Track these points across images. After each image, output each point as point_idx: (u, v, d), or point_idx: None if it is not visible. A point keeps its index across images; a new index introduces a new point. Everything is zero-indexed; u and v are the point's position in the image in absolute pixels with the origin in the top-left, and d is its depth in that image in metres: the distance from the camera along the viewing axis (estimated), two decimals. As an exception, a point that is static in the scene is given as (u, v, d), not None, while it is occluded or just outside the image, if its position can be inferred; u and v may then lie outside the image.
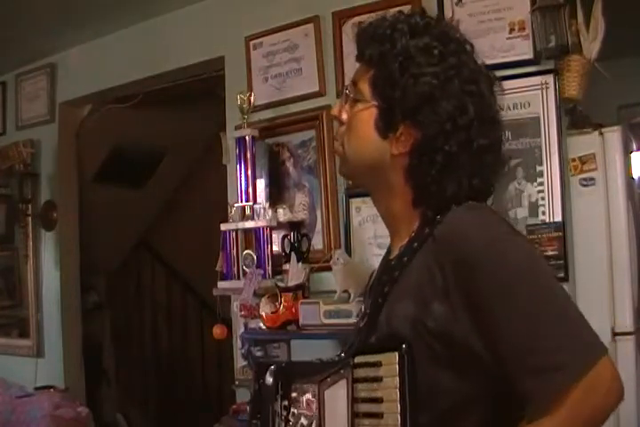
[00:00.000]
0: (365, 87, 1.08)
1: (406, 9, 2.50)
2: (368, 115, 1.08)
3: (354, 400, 0.98)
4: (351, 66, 2.60)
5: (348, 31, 2.65)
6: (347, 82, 2.79)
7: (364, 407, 0.97)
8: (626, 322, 2.18)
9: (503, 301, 0.93)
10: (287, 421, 1.05)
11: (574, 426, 0.90)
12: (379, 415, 0.94)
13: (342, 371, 1.00)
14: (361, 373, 0.98)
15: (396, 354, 0.93)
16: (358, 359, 0.99)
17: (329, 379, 1.02)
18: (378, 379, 0.95)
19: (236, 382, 2.74)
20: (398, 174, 1.07)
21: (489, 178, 1.09)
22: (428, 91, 1.02)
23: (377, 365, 0.96)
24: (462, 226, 0.99)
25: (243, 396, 2.71)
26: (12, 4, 3.08)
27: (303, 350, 2.58)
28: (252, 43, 2.92)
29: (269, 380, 1.07)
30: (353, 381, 0.99)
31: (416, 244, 1.04)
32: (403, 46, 1.04)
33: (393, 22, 1.09)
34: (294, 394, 1.06)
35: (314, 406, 1.03)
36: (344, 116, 1.13)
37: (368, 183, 1.15)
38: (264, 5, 2.91)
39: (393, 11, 1.18)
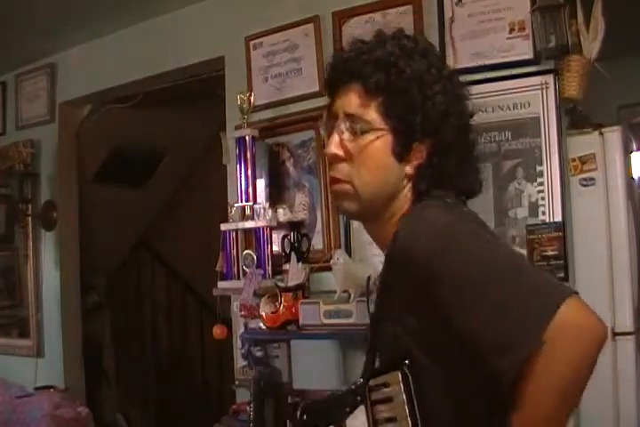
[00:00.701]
0: (374, 116, 1.06)
1: (405, 10, 2.51)
2: (382, 143, 1.07)
3: (375, 422, 1.01)
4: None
5: (348, 31, 2.65)
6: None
7: None
8: (626, 322, 2.18)
9: (452, 295, 0.94)
10: None
11: (558, 379, 0.88)
12: None
13: (359, 398, 1.04)
14: (375, 395, 1.02)
15: (399, 373, 0.97)
16: (372, 382, 1.03)
17: (348, 409, 1.06)
18: (388, 399, 0.99)
19: (236, 382, 2.74)
20: (408, 190, 1.09)
21: (479, 178, 1.13)
22: (443, 107, 1.05)
23: (386, 386, 1.00)
24: (402, 243, 1.00)
25: (243, 396, 2.71)
26: (12, 4, 3.08)
27: (303, 350, 2.58)
28: (251, 43, 2.92)
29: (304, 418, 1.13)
30: (372, 404, 1.02)
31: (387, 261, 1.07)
32: (411, 71, 1.05)
33: (387, 49, 1.08)
34: None
35: None
36: (343, 152, 1.09)
37: (374, 214, 1.12)
38: (264, 5, 2.91)
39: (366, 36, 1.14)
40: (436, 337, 0.97)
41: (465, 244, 0.97)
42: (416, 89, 1.04)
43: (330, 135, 1.11)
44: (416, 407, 0.94)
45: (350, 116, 1.08)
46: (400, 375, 0.96)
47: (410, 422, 0.95)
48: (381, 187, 1.08)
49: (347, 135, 1.08)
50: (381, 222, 1.11)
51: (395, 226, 1.06)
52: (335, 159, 1.10)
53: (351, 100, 1.08)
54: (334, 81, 1.12)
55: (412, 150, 1.06)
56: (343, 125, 1.09)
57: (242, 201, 2.67)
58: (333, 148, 1.09)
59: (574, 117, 2.29)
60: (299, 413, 1.12)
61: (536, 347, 0.87)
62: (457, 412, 0.98)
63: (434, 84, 1.05)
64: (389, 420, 0.99)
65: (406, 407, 0.95)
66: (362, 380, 1.07)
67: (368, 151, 1.07)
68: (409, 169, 1.07)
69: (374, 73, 1.05)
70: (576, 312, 0.89)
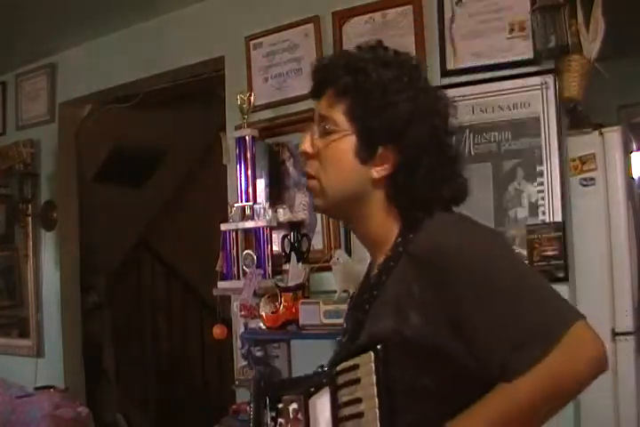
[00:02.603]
0: (340, 117, 1.10)
1: (405, 10, 2.52)
2: (346, 143, 1.10)
3: (337, 407, 1.03)
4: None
5: (348, 31, 2.66)
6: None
7: (346, 411, 1.01)
8: (626, 322, 2.18)
9: (475, 295, 0.98)
10: None
11: (547, 389, 0.93)
12: (359, 415, 0.99)
13: (324, 380, 1.06)
14: (342, 379, 1.03)
15: (371, 353, 0.98)
16: (340, 367, 1.04)
17: (312, 388, 1.08)
18: (357, 381, 1.00)
19: (236, 382, 2.74)
20: (379, 196, 1.11)
21: (462, 186, 1.14)
22: (406, 115, 1.07)
23: (355, 368, 1.00)
24: (433, 240, 1.04)
25: (243, 396, 2.71)
26: (13, 4, 3.08)
27: (303, 350, 2.58)
28: (252, 43, 2.92)
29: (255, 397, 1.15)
30: (336, 388, 1.03)
31: (392, 262, 1.09)
32: (378, 76, 1.08)
33: (360, 55, 1.13)
34: (281, 405, 1.12)
35: (299, 415, 1.08)
36: (311, 149, 1.13)
37: (347, 213, 1.16)
38: (264, 5, 2.92)
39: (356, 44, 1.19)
40: (438, 337, 0.99)
41: (497, 249, 1.05)
42: (379, 94, 1.07)
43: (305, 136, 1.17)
44: (383, 389, 0.96)
45: (322, 117, 1.13)
46: (373, 356, 0.97)
47: (377, 401, 0.95)
48: (344, 186, 1.11)
49: (317, 134, 1.13)
50: (360, 223, 1.15)
51: (380, 228, 1.11)
52: (305, 155, 1.15)
53: (323, 103, 1.13)
54: (316, 86, 1.16)
55: (376, 154, 1.08)
56: (316, 126, 1.14)
57: (242, 201, 2.67)
58: (304, 145, 1.15)
59: (574, 117, 2.29)
60: (256, 379, 1.17)
61: (550, 348, 0.92)
62: (434, 407, 1.01)
63: (400, 92, 1.07)
64: (354, 401, 0.99)
65: (375, 387, 0.96)
66: (327, 366, 1.10)
67: (332, 150, 1.11)
68: (374, 173, 1.09)
69: (343, 76, 1.10)
70: (589, 332, 0.96)
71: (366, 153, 1.09)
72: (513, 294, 0.97)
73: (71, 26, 3.37)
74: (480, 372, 0.97)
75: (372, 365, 0.97)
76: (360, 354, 1.00)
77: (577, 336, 0.94)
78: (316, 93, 1.16)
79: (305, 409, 1.07)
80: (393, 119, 1.07)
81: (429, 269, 1.01)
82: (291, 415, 1.09)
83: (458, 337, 0.98)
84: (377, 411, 0.95)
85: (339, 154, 1.10)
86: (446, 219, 1.08)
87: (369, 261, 1.23)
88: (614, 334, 2.15)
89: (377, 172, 1.09)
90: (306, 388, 1.09)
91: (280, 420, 1.11)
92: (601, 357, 0.95)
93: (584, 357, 0.94)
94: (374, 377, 0.97)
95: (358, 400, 0.99)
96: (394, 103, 1.07)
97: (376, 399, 0.96)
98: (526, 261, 2.13)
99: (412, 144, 1.07)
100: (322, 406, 1.05)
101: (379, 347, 0.97)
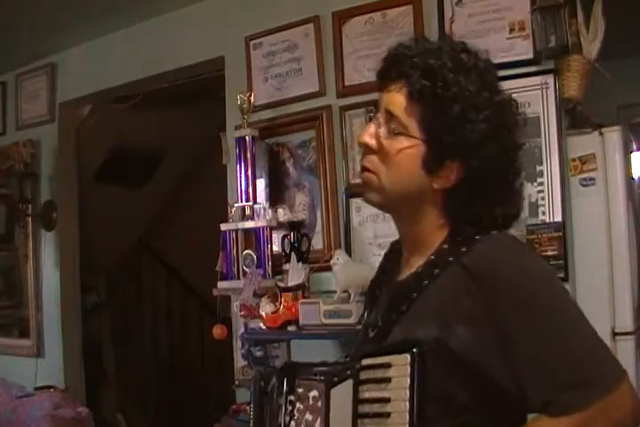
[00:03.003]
0: (412, 123, 1.06)
1: (405, 10, 2.51)
2: (415, 152, 1.07)
3: (359, 401, 1.00)
4: (351, 66, 2.63)
5: (348, 31, 2.66)
6: (347, 82, 2.79)
7: (369, 408, 0.99)
8: (626, 322, 2.18)
9: (529, 326, 0.97)
10: (292, 415, 1.08)
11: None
12: (384, 415, 0.96)
13: (349, 372, 1.03)
14: (368, 374, 1.00)
15: (408, 355, 0.95)
16: (366, 362, 1.01)
17: (335, 378, 1.04)
18: (386, 380, 0.97)
19: (236, 382, 2.74)
20: (434, 206, 1.10)
21: (516, 209, 1.13)
22: (481, 133, 1.04)
23: (386, 366, 0.97)
24: (492, 259, 1.03)
25: (243, 396, 2.71)
26: (12, 3, 3.07)
27: (303, 350, 2.58)
28: (252, 43, 2.92)
29: (275, 377, 1.11)
30: (359, 382, 1.00)
31: (437, 269, 1.06)
32: (459, 89, 1.03)
33: (441, 57, 1.06)
34: (300, 390, 1.09)
35: (319, 403, 1.05)
36: (376, 144, 1.10)
37: (398, 212, 1.15)
38: (264, 5, 2.91)
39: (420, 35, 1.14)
40: (482, 355, 0.99)
41: (553, 283, 1.05)
42: (459, 109, 1.03)
43: (368, 125, 1.14)
44: (416, 394, 0.93)
45: (390, 114, 1.09)
46: (409, 358, 0.95)
47: (407, 405, 0.93)
48: (402, 189, 1.09)
49: (383, 131, 1.09)
50: (408, 223, 1.13)
51: (425, 233, 1.11)
52: (366, 149, 1.12)
53: (394, 99, 1.08)
54: (384, 74, 1.12)
55: (442, 167, 1.06)
56: (382, 120, 1.10)
57: (242, 201, 2.67)
58: (367, 137, 1.11)
59: (574, 117, 2.29)
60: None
61: (603, 395, 0.93)
62: (463, 420, 1.00)
63: (480, 110, 1.04)
64: (380, 400, 0.97)
65: (407, 390, 0.93)
66: (350, 358, 1.08)
67: (400, 155, 1.07)
68: (435, 184, 1.07)
69: (421, 79, 1.05)
70: (632, 395, 0.97)
71: (433, 165, 1.06)
72: (566, 332, 0.97)
73: (71, 26, 3.37)
74: (518, 397, 0.97)
75: (408, 367, 0.95)
76: (392, 353, 0.98)
77: (624, 392, 0.95)
78: (382, 81, 1.11)
79: (326, 398, 1.04)
80: (467, 136, 1.04)
81: (484, 287, 0.99)
82: (310, 402, 1.07)
83: (503, 360, 0.97)
84: (407, 415, 0.93)
85: (405, 160, 1.07)
86: (504, 240, 1.07)
87: (387, 255, 1.22)
88: (614, 333, 2.15)
89: (438, 183, 1.07)
90: (328, 377, 1.05)
91: (299, 405, 1.08)
92: (638, 416, 0.97)
93: (630, 411, 0.96)
94: (408, 380, 0.94)
95: (386, 400, 0.96)
96: (471, 121, 1.03)
97: (407, 403, 0.93)
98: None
99: (480, 162, 1.05)
100: (343, 398, 1.02)
101: (415, 350, 0.95)
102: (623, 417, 0.95)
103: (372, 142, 1.10)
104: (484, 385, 0.99)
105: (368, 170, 1.12)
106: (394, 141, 1.08)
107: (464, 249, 1.04)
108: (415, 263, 1.11)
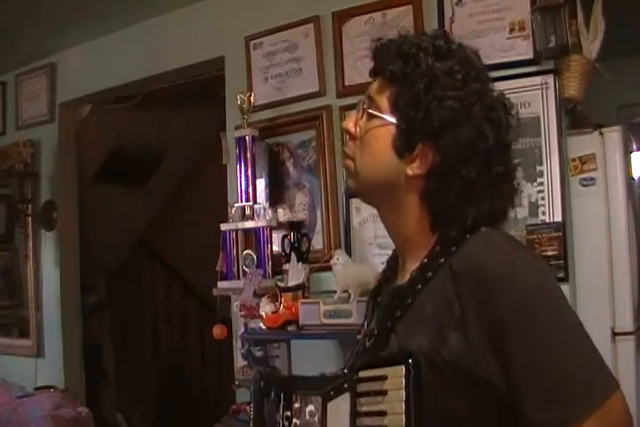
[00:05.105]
0: (384, 103, 1.06)
1: (405, 10, 2.52)
2: (385, 132, 1.05)
3: (356, 414, 0.98)
4: (351, 66, 2.63)
5: (348, 31, 2.66)
6: (347, 82, 2.79)
7: (366, 421, 0.96)
8: (626, 322, 2.18)
9: (522, 331, 0.93)
10: None
11: None
12: None
13: (346, 385, 1.00)
14: (365, 387, 0.97)
15: (403, 367, 0.92)
16: (363, 374, 0.99)
17: (332, 392, 1.02)
18: (382, 393, 0.94)
19: (236, 382, 2.74)
20: (413, 196, 1.06)
21: (505, 205, 1.09)
22: (451, 115, 1.01)
23: (382, 378, 0.95)
24: (480, 258, 0.98)
25: (243, 396, 2.71)
26: (13, 3, 3.08)
27: (303, 350, 2.58)
28: (252, 43, 2.92)
29: (272, 391, 1.08)
30: (356, 395, 0.98)
31: (430, 272, 1.03)
32: (428, 66, 1.03)
33: (417, 42, 1.07)
34: (297, 405, 1.06)
35: (316, 417, 1.03)
36: (356, 131, 1.10)
37: (378, 201, 1.12)
38: (264, 5, 2.91)
39: (412, 31, 1.16)
40: (474, 361, 0.95)
41: (547, 284, 0.99)
42: (426, 86, 1.01)
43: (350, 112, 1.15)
44: (411, 407, 0.91)
45: (369, 99, 1.09)
46: (404, 370, 0.92)
47: (404, 419, 0.91)
48: (375, 173, 1.08)
49: (361, 115, 1.10)
50: (389, 216, 1.11)
51: (412, 231, 1.07)
52: (347, 133, 1.12)
53: (374, 84, 1.10)
54: (374, 66, 1.12)
55: (413, 149, 1.03)
56: (361, 106, 1.10)
57: (242, 201, 2.67)
58: (347, 124, 1.12)
59: (574, 117, 2.29)
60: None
61: (592, 411, 0.90)
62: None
63: (449, 89, 1.01)
64: (377, 413, 0.94)
65: (403, 403, 0.91)
66: (347, 370, 1.05)
67: (372, 135, 1.07)
68: (410, 171, 1.04)
69: (395, 62, 1.05)
70: (624, 408, 0.94)
71: (403, 146, 1.04)
72: (557, 340, 0.93)
73: (71, 26, 3.37)
74: (510, 399, 0.94)
75: (403, 380, 0.92)
76: (388, 364, 0.95)
77: (616, 406, 0.92)
78: (372, 73, 1.12)
79: (323, 413, 1.02)
80: (434, 115, 1.01)
81: (473, 291, 0.95)
82: (307, 417, 1.04)
83: (498, 368, 0.93)
84: None
85: (376, 140, 1.06)
86: (493, 236, 1.03)
87: (388, 258, 1.20)
88: (614, 334, 2.15)
89: (411, 169, 1.04)
90: (325, 390, 1.02)
91: (295, 420, 1.06)
92: None
93: (622, 425, 0.93)
94: (403, 393, 0.91)
95: (382, 413, 0.94)
96: (439, 98, 1.01)
97: (403, 417, 0.91)
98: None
99: (452, 148, 1.01)
100: (340, 411, 1.00)
101: (410, 361, 0.92)
102: None
103: (352, 127, 1.11)
104: (482, 395, 0.95)
105: (348, 156, 1.12)
106: (368, 123, 1.08)
107: (453, 249, 1.01)
108: (410, 268, 1.08)
